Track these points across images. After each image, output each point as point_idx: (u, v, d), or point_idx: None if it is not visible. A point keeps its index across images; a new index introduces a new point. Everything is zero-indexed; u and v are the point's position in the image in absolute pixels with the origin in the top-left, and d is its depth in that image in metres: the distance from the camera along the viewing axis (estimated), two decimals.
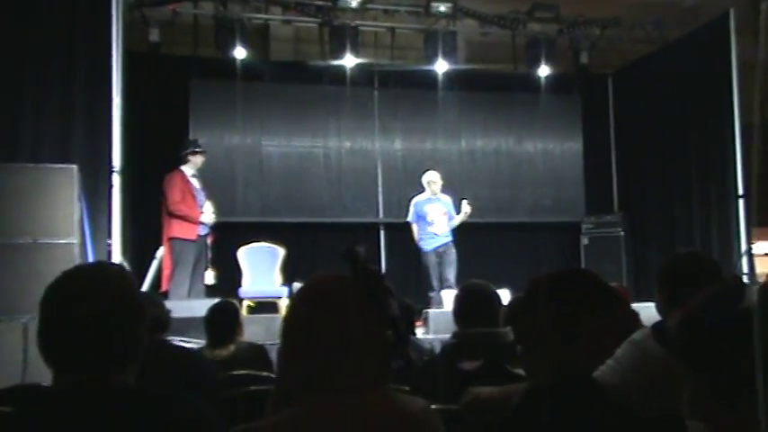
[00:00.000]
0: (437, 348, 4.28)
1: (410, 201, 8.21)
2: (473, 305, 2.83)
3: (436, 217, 7.94)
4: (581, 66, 9.50)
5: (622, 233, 9.38)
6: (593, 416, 1.44)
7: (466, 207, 7.92)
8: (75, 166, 5.90)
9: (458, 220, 8.01)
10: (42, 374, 1.54)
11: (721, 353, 1.35)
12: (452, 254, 7.90)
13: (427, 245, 7.95)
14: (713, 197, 8.39)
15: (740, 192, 7.91)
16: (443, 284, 7.74)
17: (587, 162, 10.06)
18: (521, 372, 2.19)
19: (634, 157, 9.77)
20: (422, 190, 8.18)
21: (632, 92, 9.75)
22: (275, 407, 1.48)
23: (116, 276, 1.52)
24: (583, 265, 9.15)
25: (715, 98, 8.25)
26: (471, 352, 2.60)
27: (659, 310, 2.27)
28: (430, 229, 7.93)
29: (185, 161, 7.20)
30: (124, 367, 1.47)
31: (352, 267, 1.43)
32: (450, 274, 7.78)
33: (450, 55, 8.92)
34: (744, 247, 7.81)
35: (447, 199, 8.14)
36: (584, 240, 9.54)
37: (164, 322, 3.24)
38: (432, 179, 8.08)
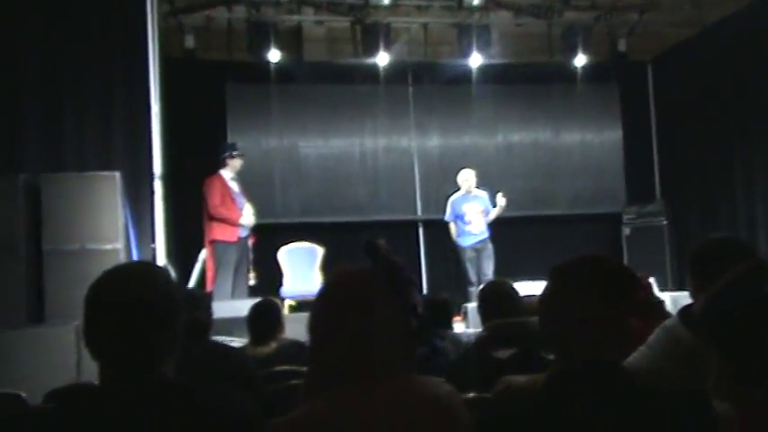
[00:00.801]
0: None
1: (447, 198, 8.24)
2: (494, 303, 2.88)
3: (473, 216, 8.02)
4: (619, 53, 9.39)
5: (665, 222, 9.23)
6: (617, 398, 1.46)
7: (501, 200, 7.95)
8: (117, 173, 6.07)
9: (494, 213, 8.05)
10: (95, 375, 1.59)
11: (744, 334, 1.36)
12: (489, 249, 7.98)
13: (464, 241, 8.04)
14: (759, 183, 8.21)
15: None
16: (482, 279, 7.78)
17: (627, 151, 9.92)
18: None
19: (676, 144, 9.59)
20: (459, 187, 8.21)
21: (673, 77, 9.55)
22: (306, 397, 1.53)
23: (154, 273, 1.59)
24: (625, 256, 9.06)
25: (758, 81, 8.06)
26: (504, 341, 2.64)
27: (690, 294, 2.26)
28: (467, 227, 8.02)
29: (224, 165, 7.32)
30: (163, 360, 1.53)
31: (372, 258, 1.47)
32: (488, 269, 7.86)
33: (484, 48, 8.89)
34: None
35: (483, 194, 8.17)
36: (626, 231, 9.40)
37: (205, 324, 3.31)
38: (466, 177, 8.12)
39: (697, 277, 2.20)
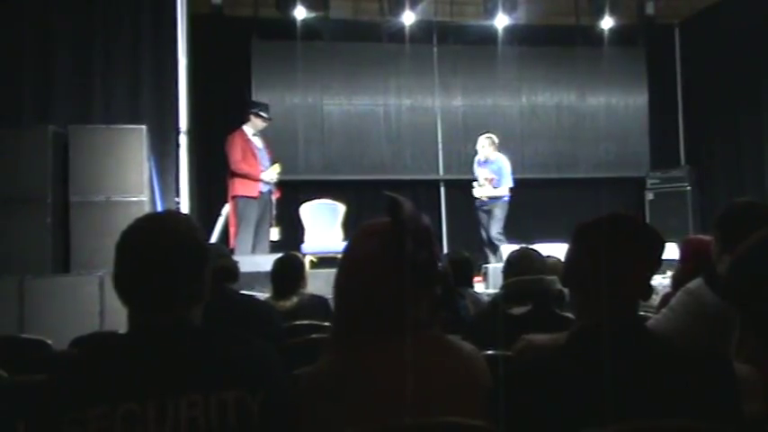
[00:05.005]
0: None
1: (472, 158, 8.25)
2: (516, 263, 2.91)
3: (480, 181, 7.99)
4: (646, 16, 9.21)
5: (689, 188, 9.16)
6: (640, 355, 1.48)
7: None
8: (144, 127, 6.12)
9: (497, 192, 7.93)
10: (118, 324, 1.63)
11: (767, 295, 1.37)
12: (496, 212, 7.92)
13: (477, 202, 8.09)
14: None
15: None
16: (491, 240, 7.87)
17: (653, 116, 9.82)
18: (569, 315, 2.23)
19: (702, 109, 9.48)
20: None
21: (701, 42, 9.40)
22: (330, 349, 1.55)
23: (184, 222, 1.62)
24: (648, 221, 9.00)
25: None
26: (520, 298, 2.67)
27: (714, 257, 2.27)
28: (473, 191, 8.02)
29: (246, 120, 7.34)
30: (190, 307, 1.57)
31: (393, 218, 1.46)
32: (494, 230, 7.88)
33: (510, 9, 8.77)
34: None
35: (501, 164, 8.02)
36: (649, 195, 9.36)
37: (233, 272, 3.36)
38: (482, 144, 8.06)
39: (721, 241, 2.21)
